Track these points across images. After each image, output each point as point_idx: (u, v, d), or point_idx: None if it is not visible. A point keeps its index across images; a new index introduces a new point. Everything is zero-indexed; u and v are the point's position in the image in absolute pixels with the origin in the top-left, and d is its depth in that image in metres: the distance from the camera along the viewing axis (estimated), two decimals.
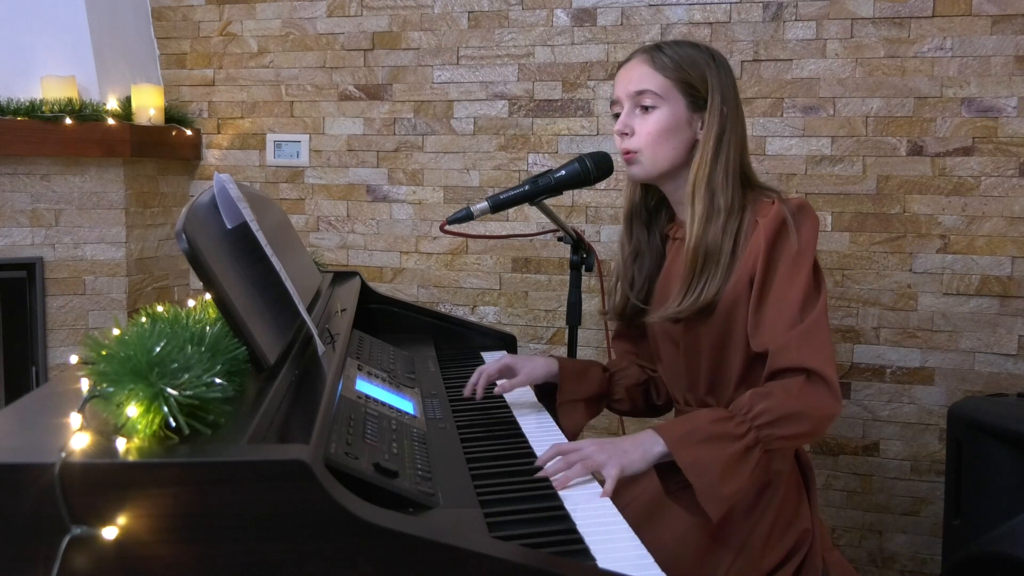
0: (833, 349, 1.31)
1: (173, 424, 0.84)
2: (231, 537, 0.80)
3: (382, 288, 2.75)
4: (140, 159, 2.72)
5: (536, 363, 1.58)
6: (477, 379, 1.55)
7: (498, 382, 1.55)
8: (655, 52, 1.44)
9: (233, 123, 2.98)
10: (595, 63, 2.64)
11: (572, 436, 1.58)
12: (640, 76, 1.43)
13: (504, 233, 2.65)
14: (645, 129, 1.43)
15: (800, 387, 1.26)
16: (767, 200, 1.39)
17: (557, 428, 1.47)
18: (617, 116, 1.48)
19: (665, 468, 1.25)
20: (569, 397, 1.59)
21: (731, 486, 1.20)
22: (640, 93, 1.43)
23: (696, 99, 1.43)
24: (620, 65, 1.49)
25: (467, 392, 1.55)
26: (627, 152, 1.46)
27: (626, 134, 1.45)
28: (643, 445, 1.23)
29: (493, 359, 1.63)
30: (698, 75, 1.42)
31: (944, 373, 2.44)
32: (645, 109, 1.43)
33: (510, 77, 2.72)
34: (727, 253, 1.38)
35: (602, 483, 1.18)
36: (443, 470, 1.16)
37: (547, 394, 1.62)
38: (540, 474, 1.20)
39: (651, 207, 1.58)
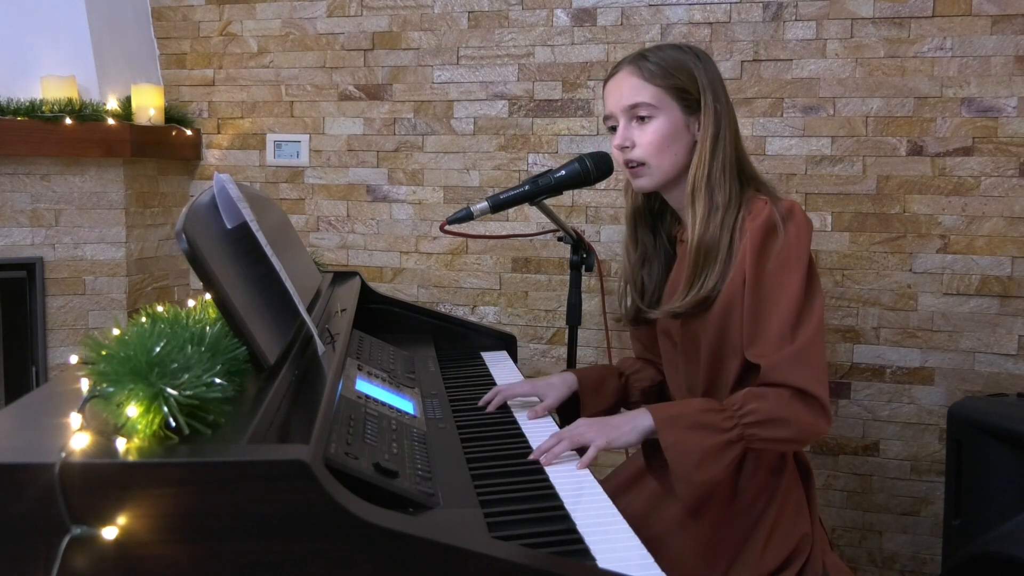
0: (826, 366, 1.32)
1: (173, 424, 0.84)
2: (231, 537, 0.80)
3: (382, 288, 2.75)
4: (140, 159, 2.72)
5: (556, 386, 1.57)
6: (493, 396, 1.53)
7: (516, 411, 1.54)
8: (641, 62, 1.43)
9: (233, 123, 2.98)
10: (595, 63, 2.64)
11: None
12: (631, 89, 1.42)
13: (504, 233, 2.65)
14: (645, 139, 1.42)
15: (791, 397, 1.28)
16: (761, 199, 1.39)
17: (557, 428, 1.46)
18: (612, 129, 1.47)
19: (650, 445, 1.32)
20: (590, 412, 1.60)
21: (705, 474, 1.25)
22: (634, 106, 1.42)
23: (689, 102, 1.42)
24: (607, 79, 1.48)
25: (483, 403, 1.53)
26: (631, 164, 1.45)
27: (627, 147, 1.44)
28: (633, 420, 1.30)
29: (511, 381, 1.62)
30: (687, 78, 1.42)
31: (944, 373, 2.44)
32: (642, 120, 1.42)
33: (510, 77, 2.72)
34: (725, 248, 1.38)
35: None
36: (443, 470, 1.16)
37: (563, 408, 1.61)
38: (532, 456, 1.26)
39: (655, 210, 1.57)
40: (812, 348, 1.29)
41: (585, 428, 1.30)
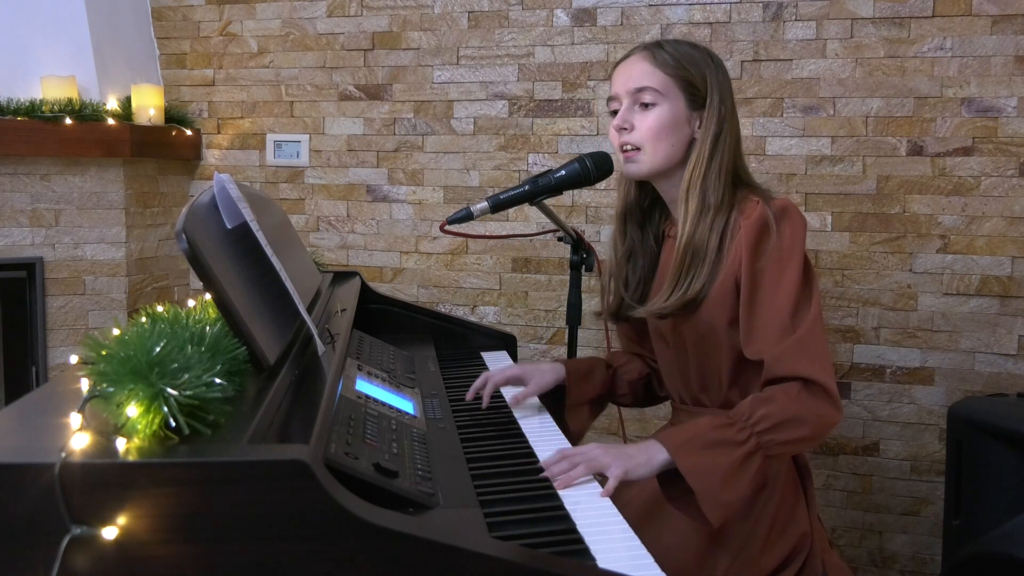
0: (829, 356, 1.30)
1: (173, 424, 0.84)
2: (231, 537, 0.80)
3: (382, 288, 2.75)
4: (140, 159, 2.72)
5: (544, 372, 1.57)
6: (483, 384, 1.53)
7: (506, 393, 1.55)
8: (656, 49, 1.43)
9: (233, 123, 2.98)
10: (595, 63, 2.64)
11: (577, 437, 1.59)
12: (641, 73, 1.42)
13: (504, 233, 2.65)
14: (645, 125, 1.42)
15: (799, 392, 1.26)
16: (753, 200, 1.38)
17: (558, 428, 1.46)
18: (614, 113, 1.47)
19: (666, 474, 1.24)
20: (576, 400, 1.59)
21: (732, 492, 1.21)
22: (641, 90, 1.42)
23: (695, 98, 1.42)
24: (619, 61, 1.48)
25: (470, 396, 1.54)
26: (625, 148, 1.45)
27: (625, 129, 1.44)
28: (647, 453, 1.23)
29: (500, 366, 1.62)
30: (698, 74, 1.42)
31: (944, 373, 2.44)
32: (645, 106, 1.42)
33: (510, 77, 2.72)
34: (713, 250, 1.38)
35: (603, 485, 1.18)
36: (443, 470, 1.16)
37: (550, 397, 1.61)
38: (544, 474, 1.20)
39: (645, 206, 1.57)
40: (814, 337, 1.28)
41: (600, 453, 1.21)
